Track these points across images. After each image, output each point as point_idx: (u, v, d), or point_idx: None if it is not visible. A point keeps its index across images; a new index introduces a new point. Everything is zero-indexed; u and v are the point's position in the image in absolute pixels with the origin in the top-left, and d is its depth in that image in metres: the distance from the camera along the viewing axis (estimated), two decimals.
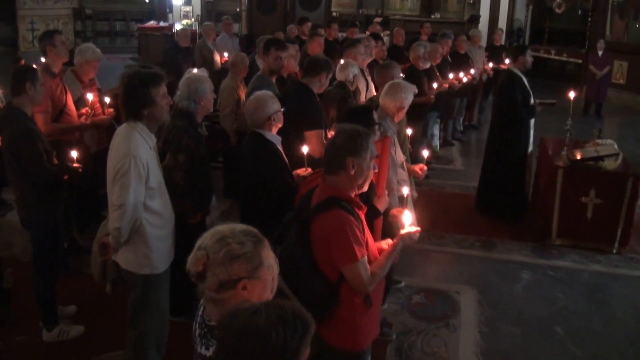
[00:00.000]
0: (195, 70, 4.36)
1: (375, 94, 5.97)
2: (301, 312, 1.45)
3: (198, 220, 3.95)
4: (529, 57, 6.17)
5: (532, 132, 6.27)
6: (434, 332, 4.31)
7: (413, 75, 6.69)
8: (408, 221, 2.70)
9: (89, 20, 15.70)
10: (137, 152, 3.03)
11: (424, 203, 6.71)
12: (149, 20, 15.82)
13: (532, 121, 6.24)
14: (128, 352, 3.49)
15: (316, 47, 6.73)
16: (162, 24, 15.01)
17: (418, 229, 2.70)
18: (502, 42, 10.88)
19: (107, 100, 5.04)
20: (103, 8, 15.98)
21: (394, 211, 3.60)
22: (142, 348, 3.39)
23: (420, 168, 4.22)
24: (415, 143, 7.09)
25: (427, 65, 6.67)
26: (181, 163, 3.71)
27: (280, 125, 3.76)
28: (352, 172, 2.52)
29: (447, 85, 7.22)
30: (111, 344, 3.97)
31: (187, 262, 1.77)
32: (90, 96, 4.93)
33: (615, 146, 6.13)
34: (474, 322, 4.47)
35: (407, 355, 4.03)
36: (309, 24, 9.67)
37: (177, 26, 14.89)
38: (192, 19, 15.33)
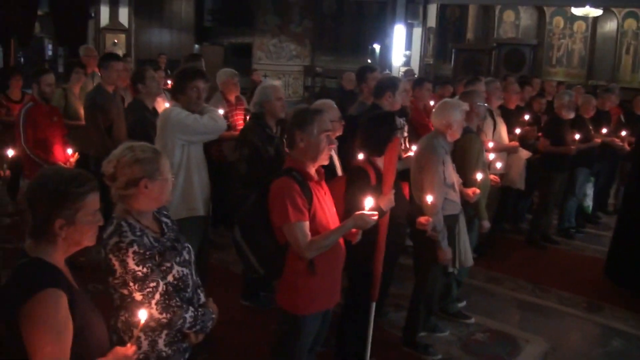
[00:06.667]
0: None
1: (503, 135, 5.87)
2: (83, 174, 1.99)
3: None
4: None
5: None
6: None
7: (553, 123, 6.41)
8: (368, 205, 2.87)
9: (318, 77, 17.55)
10: None
11: (548, 259, 6.27)
12: None
13: None
14: None
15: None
16: None
17: (375, 213, 2.85)
18: None
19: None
20: (332, 66, 17.67)
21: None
22: None
23: (472, 191, 4.17)
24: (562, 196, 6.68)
25: (571, 115, 6.29)
26: (246, 155, 4.32)
27: None
28: (302, 145, 2.84)
29: (598, 140, 6.63)
30: None
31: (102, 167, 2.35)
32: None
33: None
34: None
35: None
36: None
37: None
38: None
